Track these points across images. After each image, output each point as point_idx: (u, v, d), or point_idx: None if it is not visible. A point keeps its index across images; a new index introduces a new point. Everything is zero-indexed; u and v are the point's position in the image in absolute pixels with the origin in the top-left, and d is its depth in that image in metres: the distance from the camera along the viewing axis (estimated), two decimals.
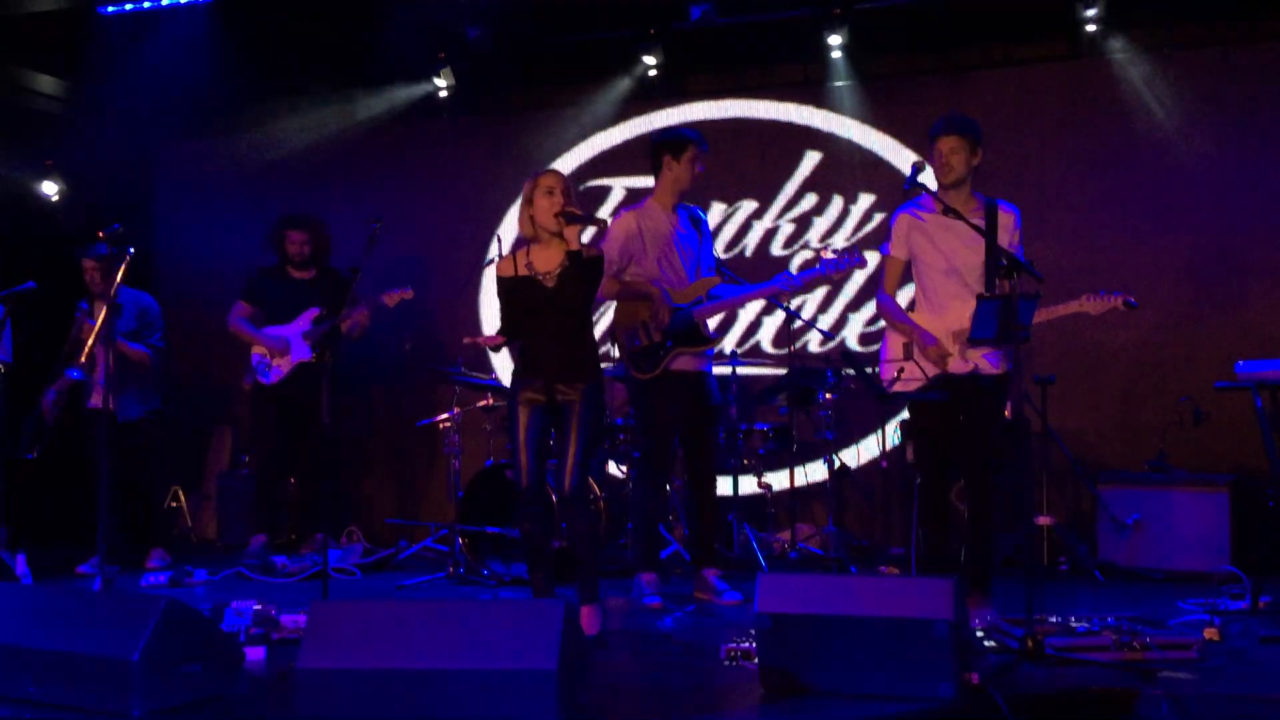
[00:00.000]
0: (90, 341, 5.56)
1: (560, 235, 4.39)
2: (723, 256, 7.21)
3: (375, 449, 7.95)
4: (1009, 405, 5.97)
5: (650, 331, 5.18)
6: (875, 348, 6.76)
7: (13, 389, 6.32)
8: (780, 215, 7.33)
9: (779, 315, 6.69)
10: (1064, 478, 6.38)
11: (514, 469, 4.47)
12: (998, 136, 6.88)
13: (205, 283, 7.94)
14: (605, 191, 7.65)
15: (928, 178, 4.56)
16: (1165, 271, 6.63)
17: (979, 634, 4.12)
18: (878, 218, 7.04)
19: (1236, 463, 6.04)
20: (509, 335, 4.52)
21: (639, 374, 5.21)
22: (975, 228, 4.46)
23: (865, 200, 7.14)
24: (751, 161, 7.36)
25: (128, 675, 3.25)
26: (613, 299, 5.28)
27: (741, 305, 5.35)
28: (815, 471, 6.90)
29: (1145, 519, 5.92)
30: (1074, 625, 4.05)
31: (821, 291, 7.19)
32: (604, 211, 7.61)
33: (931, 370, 4.57)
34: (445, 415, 6.45)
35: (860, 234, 7.13)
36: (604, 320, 6.65)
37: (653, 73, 7.47)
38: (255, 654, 4.09)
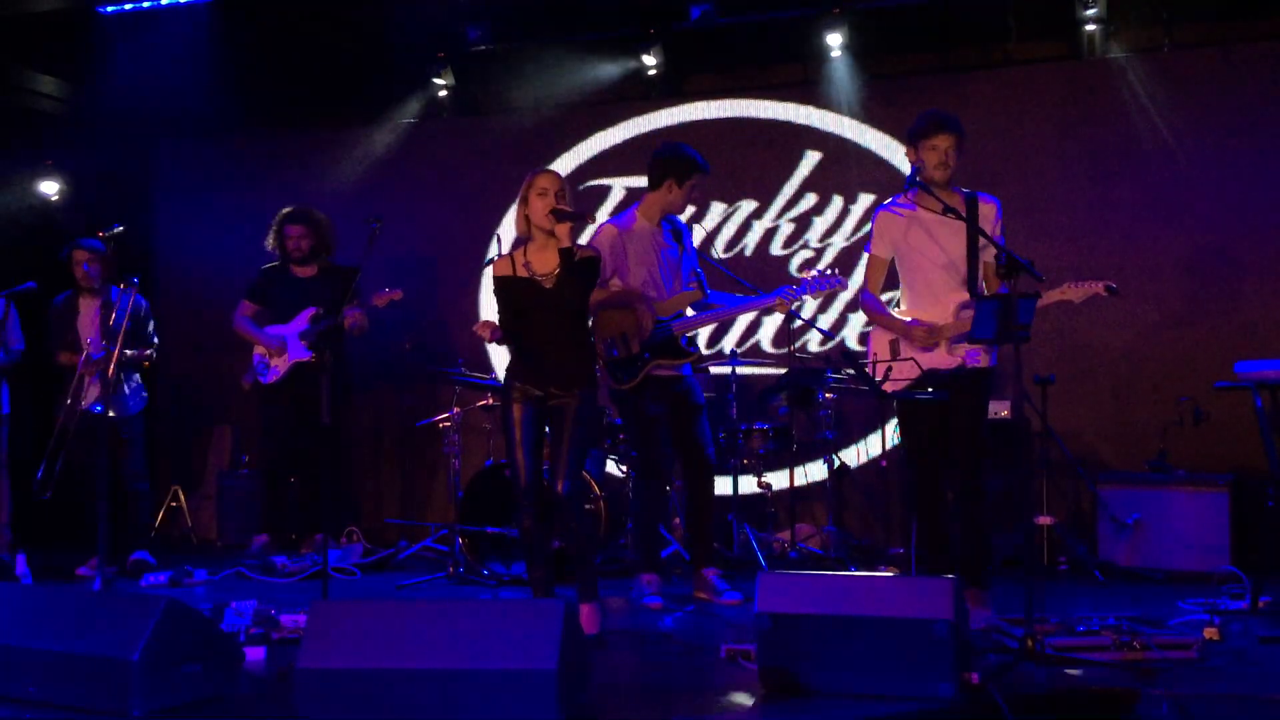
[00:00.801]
0: (112, 366, 5.53)
1: (554, 234, 4.39)
2: (722, 256, 7.21)
3: (375, 449, 7.95)
4: (1009, 405, 6.00)
5: (629, 343, 5.18)
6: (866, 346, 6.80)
7: (20, 380, 6.32)
8: (780, 215, 7.33)
9: (779, 315, 6.69)
10: (1064, 478, 6.37)
11: (511, 468, 4.47)
12: (998, 136, 6.90)
13: (205, 282, 7.94)
14: (605, 191, 7.64)
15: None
16: (1165, 271, 6.63)
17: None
18: None
19: (1236, 463, 6.04)
20: (505, 335, 4.52)
21: (616, 385, 5.21)
22: (978, 230, 4.46)
23: (865, 200, 7.14)
24: (751, 161, 7.36)
25: (128, 675, 3.25)
26: (597, 308, 5.26)
27: (718, 321, 5.35)
28: (815, 471, 6.90)
29: (1145, 519, 5.91)
30: (1074, 626, 4.06)
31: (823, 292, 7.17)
32: (604, 212, 7.61)
33: (925, 363, 4.54)
34: (445, 415, 6.45)
35: (859, 234, 7.13)
36: None
37: (653, 73, 7.46)
38: (255, 654, 4.09)
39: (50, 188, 7.95)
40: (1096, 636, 3.88)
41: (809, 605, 3.43)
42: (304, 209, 6.70)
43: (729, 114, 7.45)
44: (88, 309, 6.34)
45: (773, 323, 7.17)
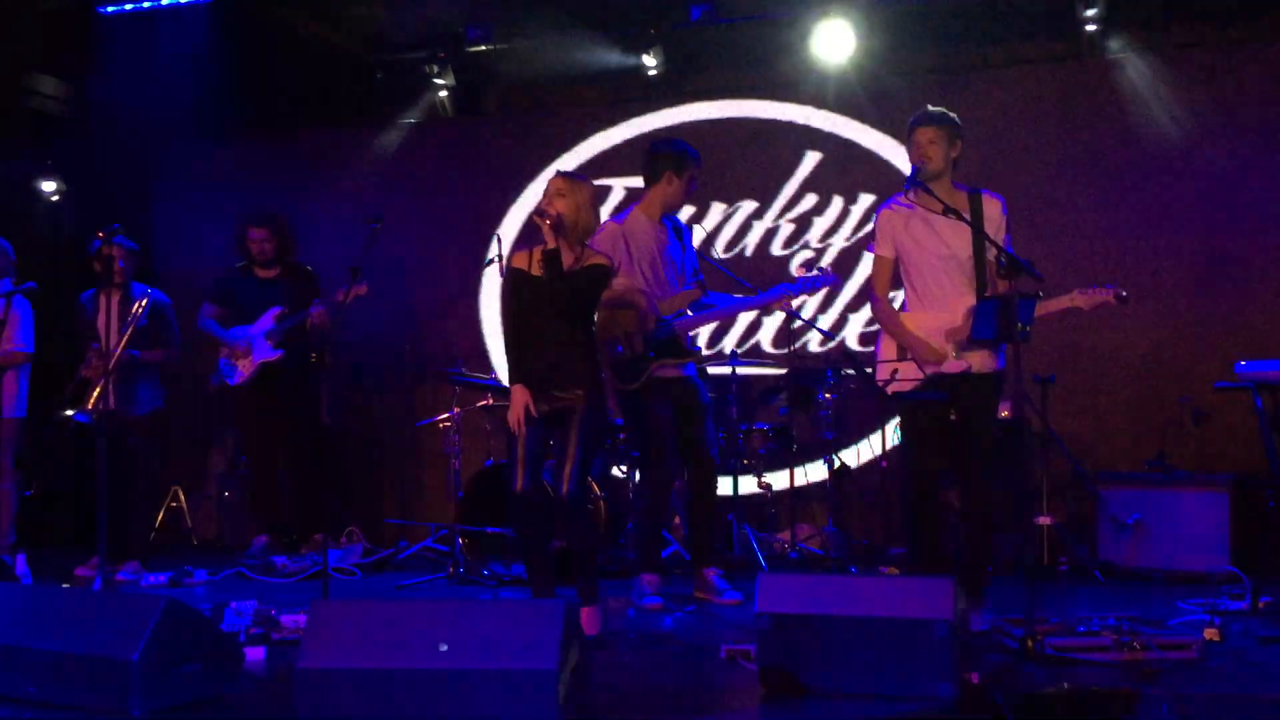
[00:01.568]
0: (110, 371, 5.53)
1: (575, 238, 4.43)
2: (722, 256, 7.21)
3: (375, 449, 7.95)
4: (1009, 405, 5.99)
5: (633, 342, 5.18)
6: (874, 348, 6.78)
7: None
8: (780, 215, 7.33)
9: (779, 315, 6.69)
10: (1064, 478, 6.37)
11: (511, 469, 4.47)
12: (998, 136, 6.90)
13: (205, 283, 7.92)
14: (605, 191, 7.64)
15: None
16: (1165, 271, 6.63)
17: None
18: None
19: (1236, 463, 6.04)
20: (506, 328, 4.53)
21: (622, 385, 5.21)
22: (981, 230, 4.44)
23: (865, 200, 7.14)
24: (751, 161, 7.36)
25: (128, 675, 3.25)
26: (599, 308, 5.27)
27: (719, 320, 5.36)
28: (815, 471, 6.89)
29: (1145, 519, 5.91)
30: (1074, 626, 4.05)
31: (821, 292, 7.18)
32: (604, 212, 7.60)
33: (929, 369, 4.52)
34: (445, 415, 6.45)
35: (860, 234, 7.13)
36: None
37: (653, 73, 7.46)
38: (255, 654, 4.10)
39: (51, 187, 7.95)
40: (1096, 636, 3.88)
41: (809, 605, 3.42)
42: (267, 212, 6.70)
43: (729, 114, 7.45)
44: (108, 305, 6.26)
45: (773, 323, 7.17)
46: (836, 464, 6.44)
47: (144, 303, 6.10)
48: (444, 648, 3.20)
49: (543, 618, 3.21)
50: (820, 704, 3.34)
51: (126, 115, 7.72)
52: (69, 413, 6.05)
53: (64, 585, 5.88)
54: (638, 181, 7.47)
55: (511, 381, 4.49)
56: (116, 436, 5.83)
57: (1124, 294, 4.35)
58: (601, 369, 4.56)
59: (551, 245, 4.36)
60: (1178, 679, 3.54)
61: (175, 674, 3.36)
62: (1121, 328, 6.63)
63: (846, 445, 6.83)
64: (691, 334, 5.39)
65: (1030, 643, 3.71)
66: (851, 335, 7.12)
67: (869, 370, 4.84)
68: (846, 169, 7.22)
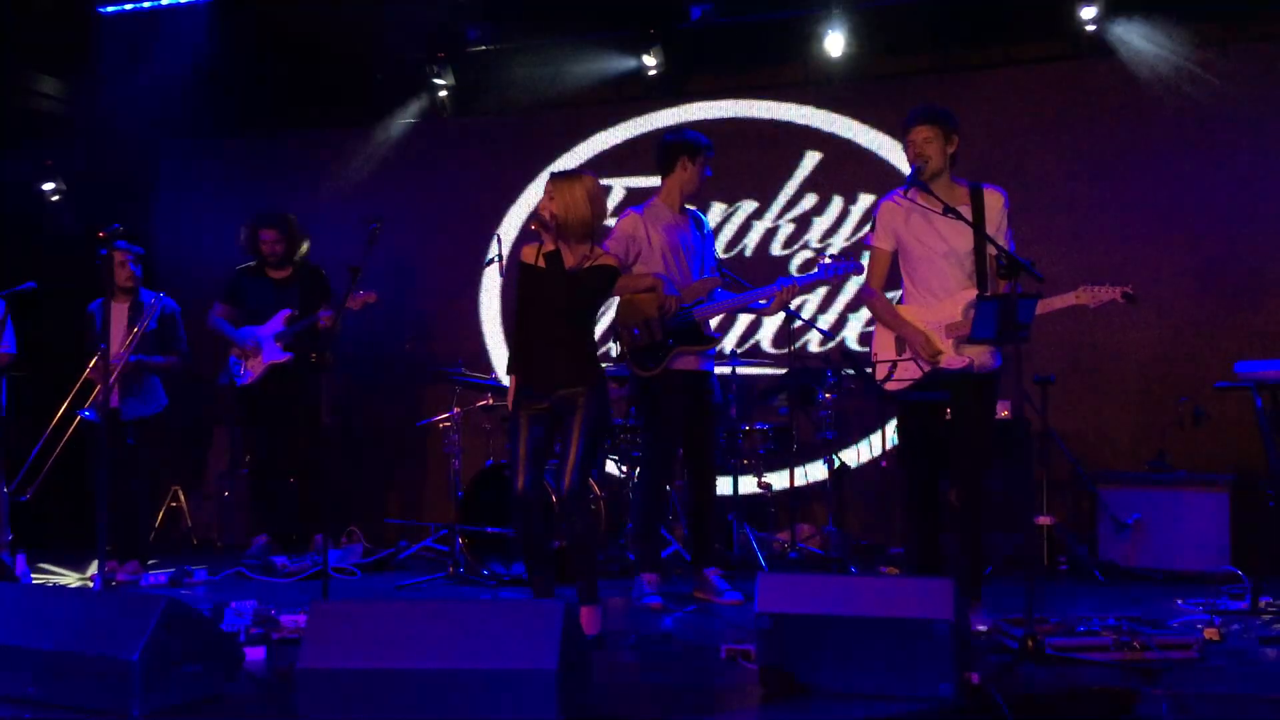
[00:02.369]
0: (115, 375, 5.52)
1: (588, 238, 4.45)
2: (722, 256, 7.21)
3: (375, 449, 7.95)
4: (1009, 405, 5.98)
5: (653, 329, 5.18)
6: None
7: (16, 384, 6.30)
8: (780, 215, 7.33)
9: (779, 315, 6.69)
10: (1064, 478, 6.37)
11: (512, 468, 4.47)
12: (998, 136, 6.91)
13: (204, 283, 7.92)
14: (605, 191, 7.64)
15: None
16: (1166, 271, 6.63)
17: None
18: None
19: (1236, 463, 6.04)
20: (508, 322, 4.53)
21: (641, 371, 5.21)
22: (981, 229, 4.43)
23: (865, 200, 7.14)
24: (751, 161, 7.36)
25: (128, 675, 3.25)
26: (618, 294, 5.27)
27: (742, 307, 5.36)
28: (815, 471, 6.90)
29: (1145, 519, 5.92)
30: (1074, 626, 4.05)
31: (821, 291, 7.19)
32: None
33: (925, 365, 4.50)
34: (445, 415, 6.45)
35: (860, 234, 7.13)
36: (605, 318, 6.67)
37: (653, 73, 7.47)
38: (255, 654, 4.09)
39: (51, 187, 7.95)
40: (1096, 636, 3.88)
41: (809, 605, 3.42)
42: (278, 213, 6.68)
43: (729, 114, 7.45)
44: (117, 312, 6.24)
45: (773, 323, 7.17)
46: (836, 464, 6.44)
47: (153, 305, 6.10)
48: (444, 648, 3.20)
49: (543, 618, 3.21)
50: (820, 704, 3.34)
51: (127, 115, 7.72)
52: (78, 411, 6.05)
53: (64, 585, 5.89)
54: (638, 181, 7.55)
55: (509, 370, 4.54)
56: (117, 438, 5.82)
57: (1131, 292, 4.32)
58: (601, 367, 4.55)
59: (550, 247, 4.37)
60: (1178, 679, 3.53)
61: (175, 674, 3.36)
62: (1122, 327, 6.64)
63: (846, 445, 6.84)
64: (712, 321, 5.38)
65: (1030, 643, 3.71)
66: (851, 335, 7.12)
67: (869, 370, 4.83)
68: (846, 169, 7.22)
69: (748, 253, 7.32)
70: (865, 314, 7.06)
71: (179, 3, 7.08)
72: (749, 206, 7.36)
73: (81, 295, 6.49)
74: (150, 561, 6.30)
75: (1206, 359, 6.40)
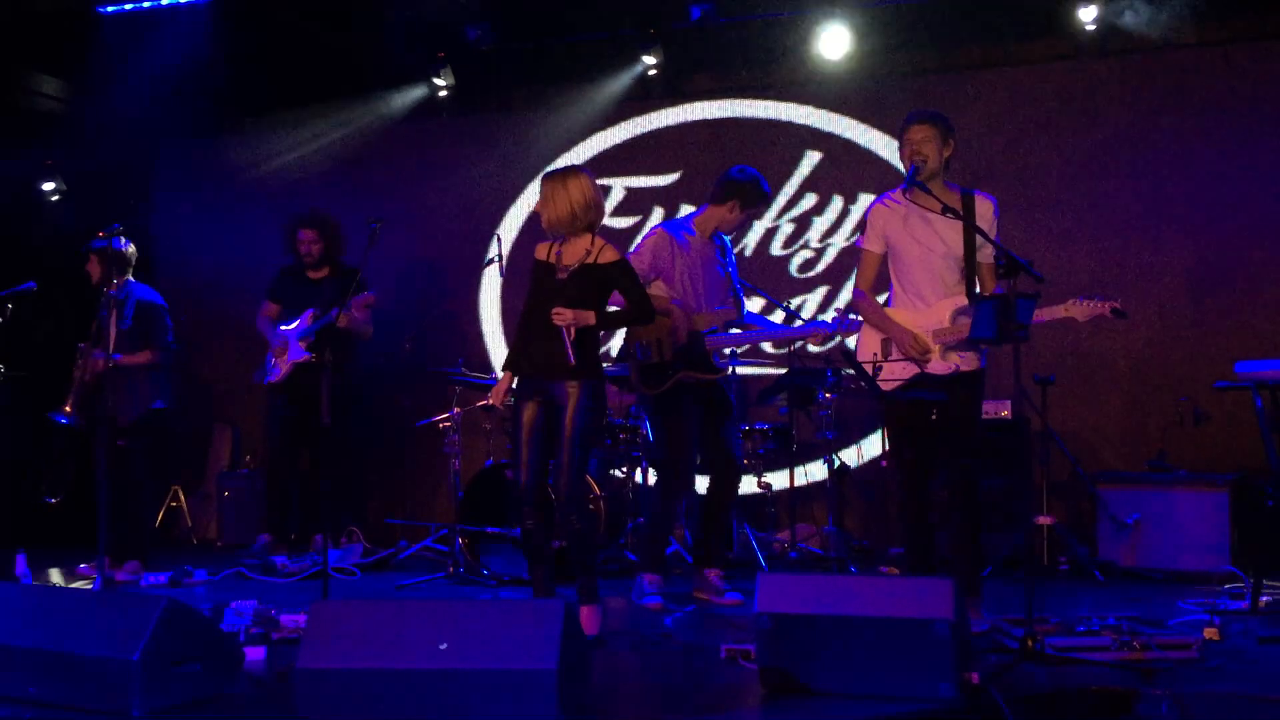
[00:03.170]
0: (80, 379, 5.60)
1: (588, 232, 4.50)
2: None
3: (375, 449, 7.94)
4: (1008, 405, 5.99)
5: (662, 350, 5.18)
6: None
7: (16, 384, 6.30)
8: (780, 215, 7.33)
9: (779, 315, 6.69)
10: (1064, 478, 6.37)
11: (514, 467, 4.48)
12: (998, 136, 6.91)
13: (204, 282, 7.95)
14: (605, 191, 7.63)
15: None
16: (1166, 271, 6.63)
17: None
18: None
19: (1236, 463, 6.04)
20: (526, 318, 4.58)
21: (645, 389, 5.22)
22: (976, 229, 4.43)
23: (865, 200, 7.13)
24: (751, 161, 7.31)
25: (128, 675, 3.25)
26: None
27: (753, 343, 5.42)
28: (815, 471, 6.90)
29: (1145, 519, 5.91)
30: (1074, 626, 4.05)
31: (821, 291, 7.19)
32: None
33: (916, 370, 4.49)
34: (445, 415, 6.45)
35: (858, 234, 7.13)
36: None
37: (653, 73, 7.47)
38: (255, 654, 4.09)
39: (51, 187, 7.95)
40: (1096, 636, 3.88)
41: (809, 605, 3.42)
42: (317, 213, 6.73)
43: (729, 114, 7.45)
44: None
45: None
46: (836, 464, 6.45)
47: (123, 300, 6.09)
48: (444, 647, 3.20)
49: (543, 618, 3.21)
50: (820, 704, 3.34)
51: (126, 115, 7.72)
52: (48, 414, 6.05)
53: (64, 585, 5.89)
54: (637, 181, 7.56)
55: (505, 366, 4.59)
56: (108, 439, 5.79)
57: (1120, 308, 4.29)
58: (599, 363, 4.56)
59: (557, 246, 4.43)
60: (1178, 679, 3.54)
61: (175, 674, 3.36)
62: (1121, 328, 6.61)
63: (846, 445, 6.84)
64: (720, 352, 5.39)
65: (1030, 643, 3.71)
66: (851, 335, 7.11)
67: (869, 370, 4.83)
68: (846, 169, 7.22)
69: (748, 252, 7.32)
70: None
71: (179, 3, 7.07)
72: None
73: (80, 295, 6.48)
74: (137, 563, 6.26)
75: (1206, 359, 6.40)
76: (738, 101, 7.46)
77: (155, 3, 7.04)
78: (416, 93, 7.86)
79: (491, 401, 4.71)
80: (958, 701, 3.26)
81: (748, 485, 6.57)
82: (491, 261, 6.05)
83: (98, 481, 5.19)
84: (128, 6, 7.06)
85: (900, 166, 4.60)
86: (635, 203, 7.59)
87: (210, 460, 8.08)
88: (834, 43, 6.99)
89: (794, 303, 7.04)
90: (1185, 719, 3.33)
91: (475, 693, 3.14)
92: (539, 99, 7.93)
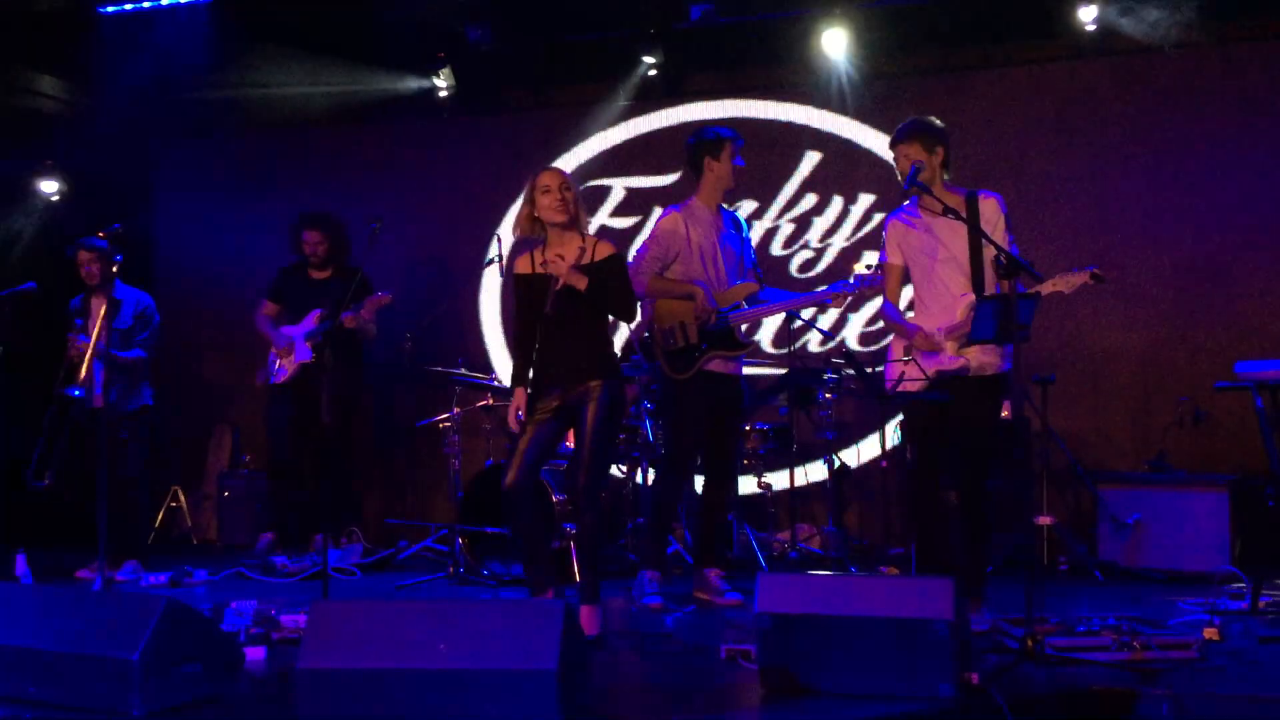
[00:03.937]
0: (88, 356, 5.65)
1: (576, 230, 4.46)
2: None
3: (375, 449, 7.95)
4: (1008, 405, 5.98)
5: (688, 332, 5.18)
6: (875, 348, 6.78)
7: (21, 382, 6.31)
8: (780, 215, 7.33)
9: (779, 315, 6.69)
10: (1064, 478, 6.37)
11: (506, 464, 4.46)
12: (998, 136, 6.91)
13: (204, 282, 7.96)
14: (605, 191, 7.65)
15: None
16: (1165, 271, 6.63)
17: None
18: (877, 218, 7.04)
19: (1236, 463, 6.04)
20: (522, 334, 4.53)
21: (673, 373, 5.21)
22: (979, 230, 4.44)
23: (865, 200, 7.14)
24: (751, 161, 7.29)
25: (128, 675, 3.25)
26: (653, 296, 5.27)
27: (779, 313, 5.40)
28: (815, 471, 6.90)
29: (1145, 519, 5.91)
30: (1074, 626, 4.05)
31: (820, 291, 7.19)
32: (604, 212, 7.62)
33: (931, 370, 4.51)
34: (445, 415, 6.45)
35: (860, 234, 7.14)
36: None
37: (653, 73, 7.47)
38: (255, 654, 4.09)
39: (50, 188, 7.95)
40: (1096, 636, 3.88)
41: (809, 605, 3.42)
42: (322, 214, 6.73)
43: (729, 114, 7.45)
44: (97, 308, 6.28)
45: (773, 323, 7.17)
46: (836, 464, 6.45)
47: (121, 304, 6.12)
48: (444, 648, 3.20)
49: (543, 618, 3.21)
50: (820, 704, 3.34)
51: (126, 115, 7.72)
52: (65, 390, 6.04)
53: (64, 585, 5.89)
54: (637, 181, 7.56)
55: (514, 384, 4.52)
56: (110, 431, 5.81)
57: (1098, 272, 4.27)
58: (616, 360, 4.56)
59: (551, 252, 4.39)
60: (1178, 679, 3.53)
61: (175, 674, 3.36)
62: (1122, 327, 6.64)
63: (846, 445, 6.83)
64: (745, 327, 5.38)
65: (1030, 643, 3.71)
66: (851, 335, 7.12)
67: (869, 370, 4.84)
68: (846, 169, 7.22)
69: None
70: (865, 314, 7.07)
71: (179, 2, 7.07)
72: (749, 206, 7.35)
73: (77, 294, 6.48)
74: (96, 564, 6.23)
75: (1206, 359, 6.40)
76: (738, 101, 7.46)
77: (155, 3, 7.04)
78: (416, 93, 7.86)
79: (510, 424, 4.52)
80: (958, 701, 3.26)
81: (748, 485, 6.59)
82: (492, 261, 6.05)
83: (96, 478, 5.18)
84: (128, 6, 7.06)
85: (898, 173, 4.62)
86: (635, 203, 7.59)
87: (210, 460, 8.08)
88: (834, 43, 6.99)
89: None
90: (1185, 719, 3.33)
91: (475, 693, 3.14)
92: (539, 99, 7.93)
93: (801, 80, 7.41)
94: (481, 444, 6.72)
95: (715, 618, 4.91)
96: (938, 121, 4.62)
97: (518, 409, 4.47)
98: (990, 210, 4.53)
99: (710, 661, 4.00)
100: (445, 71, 7.70)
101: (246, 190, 8.04)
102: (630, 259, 5.30)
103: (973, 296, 4.48)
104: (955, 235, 4.53)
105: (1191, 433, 6.04)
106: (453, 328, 7.73)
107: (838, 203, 7.23)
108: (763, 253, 7.30)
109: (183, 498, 7.99)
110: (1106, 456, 6.58)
